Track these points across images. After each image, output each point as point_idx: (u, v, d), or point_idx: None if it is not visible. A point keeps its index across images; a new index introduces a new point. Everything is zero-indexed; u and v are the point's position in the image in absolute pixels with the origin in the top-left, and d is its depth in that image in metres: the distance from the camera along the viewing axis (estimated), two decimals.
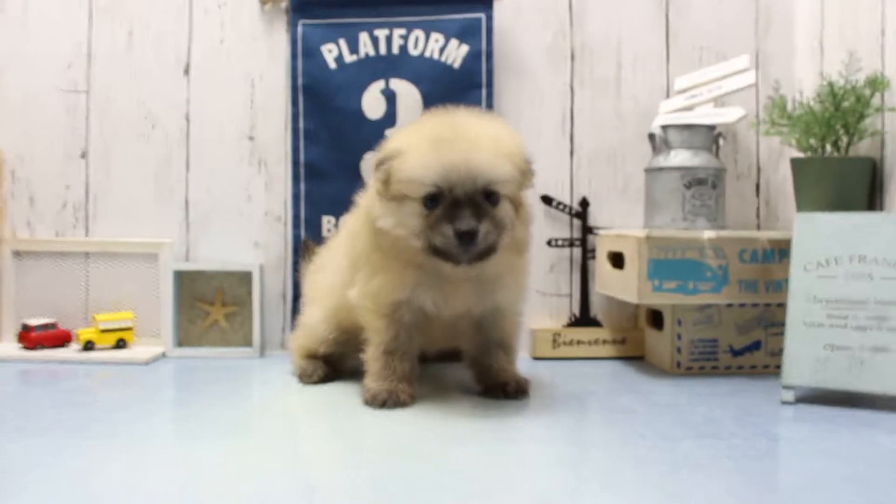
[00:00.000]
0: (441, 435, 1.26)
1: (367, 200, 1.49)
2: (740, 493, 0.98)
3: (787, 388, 1.49)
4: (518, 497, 0.98)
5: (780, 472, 1.08)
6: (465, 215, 1.30)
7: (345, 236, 1.64)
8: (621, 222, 2.04)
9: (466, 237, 1.30)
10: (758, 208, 2.08)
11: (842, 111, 1.69)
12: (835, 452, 1.15)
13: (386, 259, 1.43)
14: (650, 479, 1.03)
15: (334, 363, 1.68)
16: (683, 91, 1.99)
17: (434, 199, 1.33)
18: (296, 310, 1.94)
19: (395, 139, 1.44)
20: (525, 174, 1.40)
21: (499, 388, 1.51)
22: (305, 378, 1.65)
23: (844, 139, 1.71)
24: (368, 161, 1.94)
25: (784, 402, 1.48)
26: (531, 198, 1.97)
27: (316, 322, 1.67)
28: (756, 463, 1.11)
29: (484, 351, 1.54)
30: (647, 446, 1.18)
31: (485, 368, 1.55)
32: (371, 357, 1.49)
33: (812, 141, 1.72)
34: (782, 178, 2.08)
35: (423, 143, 1.35)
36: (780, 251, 1.73)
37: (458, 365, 1.63)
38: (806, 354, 1.48)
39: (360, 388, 1.50)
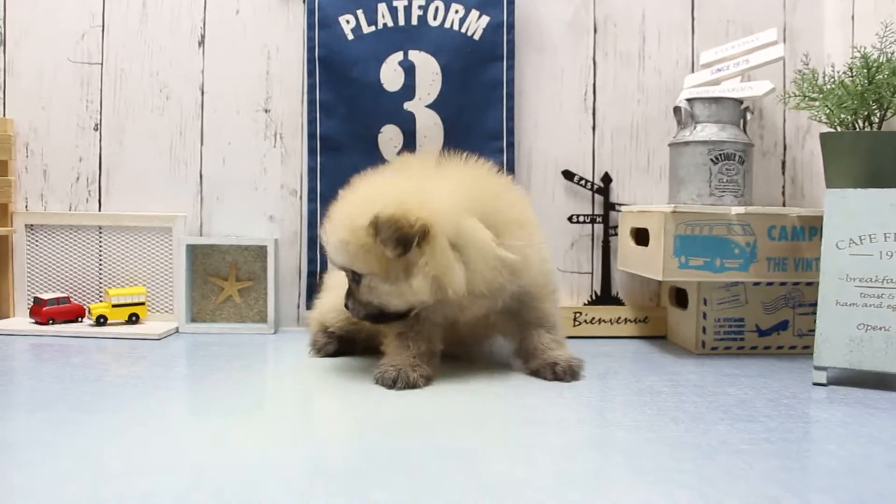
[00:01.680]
0: (457, 416, 1.22)
1: None
2: (782, 479, 0.94)
3: (819, 369, 1.45)
4: (545, 481, 0.94)
5: (821, 457, 1.03)
6: (347, 294, 1.43)
7: None
8: (643, 198, 1.99)
9: (349, 307, 1.43)
10: (783, 186, 2.03)
11: (875, 84, 1.63)
12: (875, 437, 1.11)
13: None
14: (686, 464, 0.99)
15: (350, 340, 1.65)
16: (709, 65, 1.93)
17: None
18: (311, 286, 1.91)
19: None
20: (379, 246, 1.32)
21: (547, 367, 1.47)
22: (315, 350, 1.65)
23: (878, 114, 1.65)
24: (386, 134, 1.90)
25: (816, 384, 1.44)
26: (542, 179, 1.95)
27: (328, 308, 1.66)
28: (794, 447, 1.06)
29: (525, 335, 1.51)
30: (679, 429, 1.13)
31: (530, 350, 1.51)
32: (387, 342, 1.47)
33: (843, 115, 1.67)
34: (809, 156, 2.03)
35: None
36: (811, 228, 1.68)
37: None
38: (839, 335, 1.44)
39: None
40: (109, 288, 1.94)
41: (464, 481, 0.91)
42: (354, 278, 1.39)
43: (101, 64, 1.98)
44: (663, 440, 1.08)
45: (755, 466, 0.98)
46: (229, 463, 0.98)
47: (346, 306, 1.43)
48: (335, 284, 1.66)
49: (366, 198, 1.37)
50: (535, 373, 1.48)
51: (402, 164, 1.53)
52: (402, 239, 1.29)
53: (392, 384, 1.36)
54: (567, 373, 1.45)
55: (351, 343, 1.66)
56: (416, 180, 1.39)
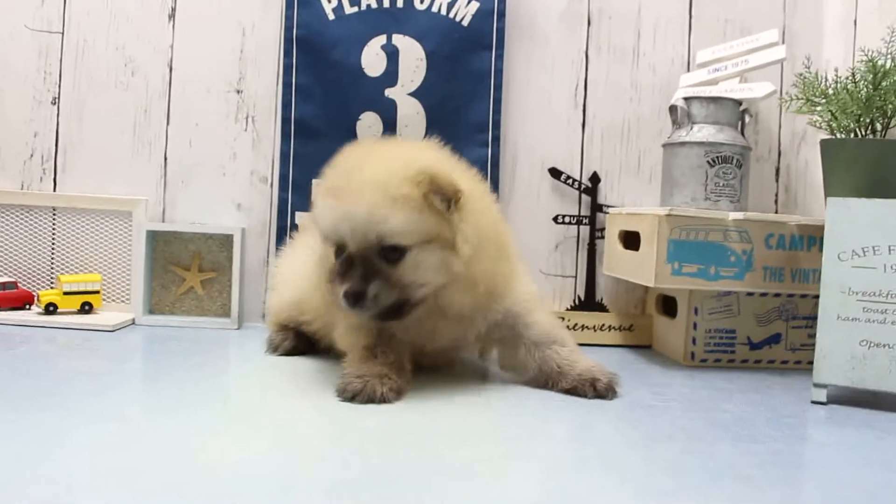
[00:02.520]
0: (436, 428, 1.11)
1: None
2: None
3: (818, 386, 1.36)
4: (538, 502, 0.84)
5: (836, 486, 0.94)
6: (353, 276, 1.17)
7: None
8: (632, 200, 1.90)
9: (351, 299, 1.16)
10: (776, 194, 1.96)
11: (881, 90, 1.56)
12: (888, 463, 1.03)
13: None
14: (689, 489, 0.89)
15: (310, 337, 1.54)
16: (706, 64, 1.85)
17: (339, 250, 1.22)
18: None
19: (334, 162, 1.29)
20: (436, 210, 1.20)
21: (587, 384, 1.31)
22: (272, 349, 1.55)
23: (881, 121, 1.58)
24: (365, 121, 1.79)
25: (815, 402, 1.35)
26: (528, 175, 1.85)
27: (285, 300, 1.56)
28: (806, 474, 0.98)
29: (540, 358, 1.35)
30: (678, 449, 1.04)
31: (554, 371, 1.34)
32: (349, 358, 1.30)
33: (846, 122, 1.59)
34: (804, 164, 1.95)
35: (325, 185, 1.26)
36: (810, 238, 1.60)
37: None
38: (840, 351, 1.35)
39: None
40: (61, 274, 1.82)
41: (446, 497, 0.81)
42: (389, 257, 1.18)
43: (62, 33, 1.85)
44: (662, 460, 0.99)
45: (765, 494, 0.88)
46: (189, 472, 0.86)
47: (347, 297, 1.17)
48: (292, 276, 1.55)
49: (396, 156, 1.23)
50: (572, 391, 1.32)
51: (394, 141, 1.41)
52: (450, 192, 1.19)
53: (352, 398, 1.18)
54: (609, 390, 1.31)
55: (311, 340, 1.54)
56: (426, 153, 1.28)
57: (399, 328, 1.27)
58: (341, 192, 1.19)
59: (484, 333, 1.34)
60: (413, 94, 1.80)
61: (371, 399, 1.18)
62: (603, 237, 1.87)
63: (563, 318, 1.82)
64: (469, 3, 1.81)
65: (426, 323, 1.27)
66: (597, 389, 1.30)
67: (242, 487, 0.82)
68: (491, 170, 1.83)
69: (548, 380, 1.35)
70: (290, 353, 1.54)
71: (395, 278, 1.18)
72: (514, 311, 1.34)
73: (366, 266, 1.17)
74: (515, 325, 1.35)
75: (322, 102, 1.81)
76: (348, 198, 1.17)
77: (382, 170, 1.19)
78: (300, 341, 1.55)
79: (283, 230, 1.82)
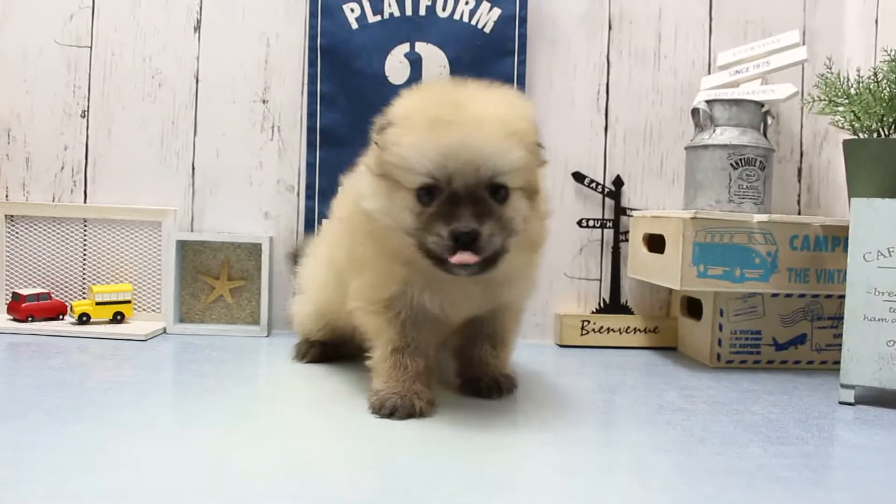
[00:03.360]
0: (467, 435, 1.12)
1: (354, 176, 1.30)
2: None
3: (846, 387, 1.37)
4: None
5: (872, 487, 0.95)
6: (464, 214, 1.06)
7: (332, 224, 1.47)
8: (655, 203, 1.91)
9: (465, 240, 1.05)
10: (799, 194, 1.96)
11: None
12: None
13: (375, 251, 1.20)
14: (727, 493, 0.90)
15: (335, 346, 1.56)
16: (727, 66, 1.86)
17: (429, 192, 1.09)
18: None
19: (403, 100, 1.18)
20: (537, 155, 1.17)
21: (472, 382, 1.32)
22: (297, 357, 1.57)
23: None
24: None
25: (843, 403, 1.36)
26: (551, 180, 1.86)
27: (306, 314, 1.55)
28: (839, 476, 0.99)
29: (471, 342, 1.34)
30: (710, 452, 1.05)
31: (466, 360, 1.35)
32: (378, 358, 1.24)
33: (868, 122, 1.59)
34: (826, 163, 1.95)
35: (419, 119, 1.10)
36: (834, 238, 1.61)
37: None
38: (867, 351, 1.36)
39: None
40: (93, 284, 1.84)
41: None
42: (496, 196, 1.10)
43: (90, 47, 1.88)
44: (698, 465, 1.00)
45: (802, 498, 0.89)
46: (223, 484, 0.88)
47: (459, 239, 1.05)
48: (315, 276, 1.52)
49: (497, 93, 1.16)
50: (464, 387, 1.34)
51: (468, 81, 1.22)
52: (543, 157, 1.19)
53: (391, 414, 1.16)
54: (492, 389, 1.31)
55: (337, 347, 1.55)
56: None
57: (433, 297, 1.20)
58: (449, 124, 1.07)
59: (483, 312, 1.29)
60: None
61: (411, 415, 1.16)
62: (627, 240, 1.88)
63: (588, 321, 1.83)
64: (491, 9, 1.83)
65: (462, 287, 1.20)
66: (478, 388, 1.31)
67: (279, 499, 0.84)
68: None
69: (459, 365, 1.37)
70: (317, 360, 1.56)
71: (506, 218, 1.10)
72: (505, 303, 1.30)
73: (476, 204, 1.07)
74: (493, 313, 1.31)
75: (346, 111, 1.83)
76: (461, 130, 1.07)
77: (497, 103, 1.12)
78: (326, 348, 1.57)
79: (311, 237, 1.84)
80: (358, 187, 1.21)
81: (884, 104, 1.56)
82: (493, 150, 1.07)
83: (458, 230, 1.05)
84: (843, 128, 1.66)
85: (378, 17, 1.83)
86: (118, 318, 1.79)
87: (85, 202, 1.88)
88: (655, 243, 1.72)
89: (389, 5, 1.83)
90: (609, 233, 1.90)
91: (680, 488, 0.92)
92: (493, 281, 1.20)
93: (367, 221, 1.17)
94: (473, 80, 1.18)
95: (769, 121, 1.76)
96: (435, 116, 1.09)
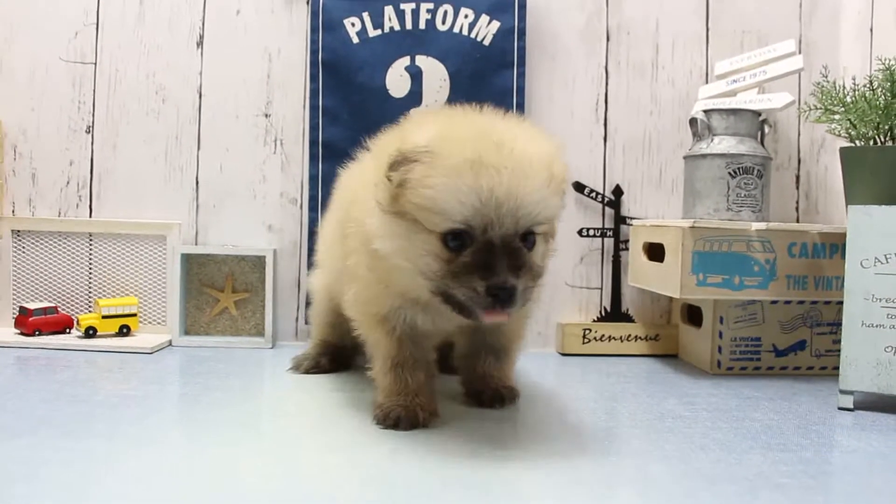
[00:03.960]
0: (472, 445, 1.14)
1: (358, 188, 1.21)
2: None
3: (844, 393, 1.38)
4: None
5: (867, 493, 0.96)
6: (501, 268, 1.00)
7: (329, 221, 1.48)
8: (655, 212, 1.93)
9: (503, 296, 1.00)
10: (797, 201, 1.98)
11: None
12: None
13: (372, 279, 1.17)
14: (727, 501, 0.91)
15: (333, 355, 1.60)
16: (724, 76, 1.88)
17: (458, 238, 1.02)
18: (310, 299, 1.83)
19: (422, 131, 1.07)
20: (563, 198, 1.13)
21: (475, 394, 1.34)
22: (294, 368, 1.60)
23: None
24: None
25: (842, 409, 1.38)
26: None
27: (320, 286, 1.58)
28: (838, 482, 1.00)
29: (475, 352, 1.35)
30: (710, 459, 1.07)
31: (470, 371, 1.36)
32: (378, 371, 1.24)
33: (864, 130, 1.61)
34: (823, 170, 1.97)
35: (455, 159, 1.01)
36: (832, 246, 1.62)
37: None
38: (865, 357, 1.37)
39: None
40: (99, 298, 1.86)
41: None
42: (527, 243, 1.06)
43: (95, 64, 1.90)
44: (698, 473, 1.01)
45: (801, 502, 0.91)
46: (230, 498, 0.90)
47: (497, 295, 1.00)
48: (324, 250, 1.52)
49: (528, 130, 1.11)
50: (467, 398, 1.36)
51: (484, 111, 1.18)
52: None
53: (395, 425, 1.17)
54: (494, 400, 1.32)
55: (334, 358, 1.59)
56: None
57: (426, 317, 1.19)
58: (492, 168, 1.00)
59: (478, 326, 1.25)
60: None
61: (414, 426, 1.17)
62: (627, 249, 1.90)
63: (589, 330, 1.85)
64: (490, 22, 1.85)
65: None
66: (480, 400, 1.32)
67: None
68: None
69: (463, 377, 1.38)
70: (313, 370, 1.58)
71: (536, 268, 1.06)
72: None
73: (511, 255, 1.01)
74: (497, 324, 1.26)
75: (348, 124, 1.85)
76: (506, 176, 1.00)
77: (536, 142, 1.07)
78: (326, 360, 1.60)
79: (314, 250, 1.85)
80: (364, 217, 1.14)
81: (879, 112, 1.58)
82: (537, 200, 1.03)
83: (497, 286, 1.00)
84: (839, 136, 1.68)
85: (378, 32, 1.85)
86: (124, 331, 1.81)
87: (90, 217, 1.90)
88: (655, 252, 1.74)
89: (390, 19, 1.85)
90: (609, 242, 1.92)
91: (680, 498, 0.93)
92: None
93: (372, 258, 1.13)
94: (479, 107, 1.15)
95: (766, 129, 1.77)
96: (475, 158, 1.01)
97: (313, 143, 1.87)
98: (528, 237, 1.05)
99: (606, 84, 1.93)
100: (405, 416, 1.18)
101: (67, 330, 1.84)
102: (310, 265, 1.84)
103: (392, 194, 1.05)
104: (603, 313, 1.92)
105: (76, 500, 0.87)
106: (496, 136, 1.04)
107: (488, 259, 1.00)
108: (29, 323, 1.78)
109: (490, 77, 1.85)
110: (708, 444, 1.14)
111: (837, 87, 1.65)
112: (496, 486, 0.95)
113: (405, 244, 1.06)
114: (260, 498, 0.89)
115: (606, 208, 1.92)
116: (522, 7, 1.85)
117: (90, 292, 1.90)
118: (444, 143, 1.03)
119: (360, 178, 1.23)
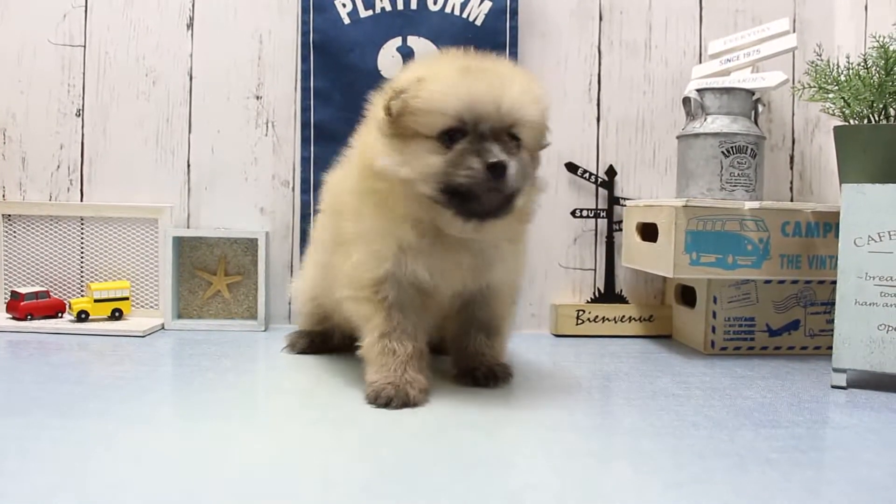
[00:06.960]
0: (468, 421, 1.14)
1: (359, 143, 1.32)
2: (823, 493, 0.87)
3: (838, 371, 1.38)
4: (572, 495, 0.87)
5: (860, 468, 0.96)
6: (494, 149, 1.14)
7: (326, 203, 1.48)
8: (648, 192, 1.93)
9: (499, 170, 1.13)
10: (791, 181, 1.97)
11: (894, 75, 1.57)
12: None
13: (375, 216, 1.23)
14: (716, 475, 0.92)
15: (324, 336, 1.60)
16: (718, 55, 1.87)
17: (452, 135, 1.16)
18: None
19: (410, 70, 1.27)
20: (545, 126, 1.27)
21: (468, 372, 1.34)
22: (288, 348, 1.61)
23: (894, 106, 1.59)
24: None
25: (835, 387, 1.38)
26: (545, 170, 1.87)
27: (300, 290, 1.61)
28: (828, 457, 1.00)
29: (465, 331, 1.37)
30: (702, 436, 1.07)
31: (461, 350, 1.37)
32: (367, 345, 1.26)
33: (859, 108, 1.60)
34: (817, 150, 1.97)
35: (447, 71, 1.19)
36: (825, 224, 1.62)
37: None
38: (858, 336, 1.37)
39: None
40: (91, 282, 1.85)
41: (484, 493, 0.84)
42: (514, 143, 1.19)
43: (84, 46, 1.88)
44: (689, 448, 1.01)
45: (791, 479, 0.91)
46: (226, 477, 0.90)
47: (493, 168, 1.12)
48: (309, 258, 1.59)
49: (531, 74, 1.30)
50: (459, 377, 1.36)
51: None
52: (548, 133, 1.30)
53: (386, 404, 1.18)
54: (488, 378, 1.33)
55: (326, 339, 1.59)
56: None
57: (424, 262, 1.23)
58: (483, 72, 1.18)
59: (472, 290, 1.32)
60: None
61: (405, 404, 1.18)
62: (621, 229, 1.89)
63: (583, 311, 1.85)
64: (482, 2, 1.84)
65: (454, 258, 1.24)
66: (474, 378, 1.33)
67: (280, 488, 0.86)
68: None
69: (454, 356, 1.40)
70: (306, 351, 1.59)
71: (525, 161, 1.21)
72: (496, 283, 1.32)
73: (502, 144, 1.16)
74: (485, 296, 1.34)
75: (340, 106, 1.84)
76: (493, 77, 1.18)
77: (517, 70, 1.27)
78: (315, 339, 1.60)
79: (306, 232, 1.85)
80: (365, 149, 1.26)
81: (873, 90, 1.57)
82: (518, 100, 1.17)
83: (490, 160, 1.13)
84: (833, 114, 1.67)
85: (370, 12, 1.84)
86: (116, 314, 1.81)
87: (81, 201, 1.90)
88: (649, 232, 1.73)
89: (381, 0, 1.83)
90: (603, 222, 1.91)
91: (671, 470, 0.93)
92: (484, 252, 1.25)
93: (375, 181, 1.22)
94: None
95: (760, 108, 1.77)
96: (464, 66, 1.19)
97: (305, 124, 1.86)
98: (516, 139, 1.19)
99: (599, 64, 1.92)
100: (396, 394, 1.19)
101: (59, 314, 1.83)
102: (302, 248, 1.84)
103: (393, 119, 1.19)
104: (596, 294, 1.91)
105: (68, 475, 0.87)
106: (479, 56, 1.25)
107: (482, 144, 1.15)
108: (21, 307, 1.78)
109: None
110: (700, 421, 1.14)
111: (831, 66, 1.64)
112: (489, 461, 0.95)
113: (405, 154, 1.19)
114: (252, 472, 0.89)
115: (600, 189, 1.91)
116: None
117: (82, 276, 1.89)
118: (433, 70, 1.21)
119: (349, 160, 1.39)
